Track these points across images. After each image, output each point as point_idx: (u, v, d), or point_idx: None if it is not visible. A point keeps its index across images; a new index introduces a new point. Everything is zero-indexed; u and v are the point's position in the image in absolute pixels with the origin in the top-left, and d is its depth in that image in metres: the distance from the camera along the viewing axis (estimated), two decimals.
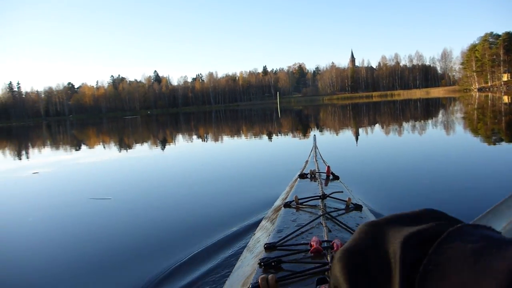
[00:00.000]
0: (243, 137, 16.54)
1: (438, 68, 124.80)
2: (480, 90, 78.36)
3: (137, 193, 6.72)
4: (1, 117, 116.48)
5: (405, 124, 16.52)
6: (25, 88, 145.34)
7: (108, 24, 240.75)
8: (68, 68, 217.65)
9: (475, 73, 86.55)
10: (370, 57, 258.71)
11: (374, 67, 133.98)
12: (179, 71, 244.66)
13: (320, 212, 2.23)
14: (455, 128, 14.02)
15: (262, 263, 1.59)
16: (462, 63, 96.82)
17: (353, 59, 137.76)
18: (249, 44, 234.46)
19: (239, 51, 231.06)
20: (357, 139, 13.00)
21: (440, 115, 21.83)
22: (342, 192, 2.77)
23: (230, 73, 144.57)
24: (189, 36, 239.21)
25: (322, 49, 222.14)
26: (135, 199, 6.25)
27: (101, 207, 5.79)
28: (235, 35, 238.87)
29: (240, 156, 11.05)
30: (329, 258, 1.43)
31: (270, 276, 1.37)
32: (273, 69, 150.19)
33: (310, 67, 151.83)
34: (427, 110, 28.89)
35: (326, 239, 1.78)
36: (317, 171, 3.57)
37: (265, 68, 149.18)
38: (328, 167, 3.53)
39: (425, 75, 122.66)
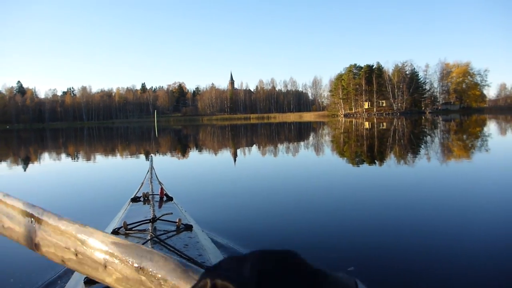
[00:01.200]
0: (99, 156, 15.29)
1: (310, 94, 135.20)
2: (346, 116, 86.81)
3: None
4: None
5: (273, 146, 17.03)
6: None
7: None
8: None
9: (341, 100, 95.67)
10: (249, 80, 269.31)
11: (252, 90, 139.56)
12: (47, 83, 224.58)
13: (148, 237, 2.16)
14: (320, 150, 14.82)
15: None
16: (330, 91, 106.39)
17: (232, 81, 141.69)
18: (127, 59, 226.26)
19: (116, 67, 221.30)
20: (231, 158, 12.91)
21: (309, 138, 23.14)
22: (172, 213, 2.72)
23: (106, 89, 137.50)
24: (61, 45, 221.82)
25: (202, 70, 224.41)
26: None
27: None
28: (111, 49, 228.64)
29: (84, 178, 9.83)
30: None
31: None
32: (152, 87, 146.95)
33: (190, 87, 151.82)
34: (299, 132, 30.56)
35: None
36: (150, 193, 3.51)
37: (143, 86, 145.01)
38: (162, 188, 3.53)
39: (298, 100, 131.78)
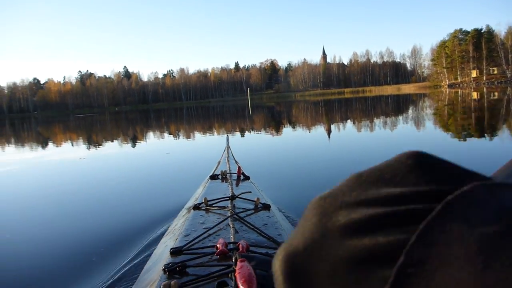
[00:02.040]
0: (189, 133, 15.89)
1: (408, 65, 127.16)
2: (450, 86, 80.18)
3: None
4: None
5: (368, 121, 16.22)
6: None
7: (78, 18, 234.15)
8: (34, 63, 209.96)
9: (445, 70, 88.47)
10: (342, 53, 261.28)
11: (346, 63, 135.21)
12: (149, 67, 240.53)
13: (229, 213, 2.23)
14: (421, 124, 13.77)
15: (166, 269, 1.58)
16: (432, 60, 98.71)
17: (324, 55, 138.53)
18: (221, 40, 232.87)
19: (211, 47, 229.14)
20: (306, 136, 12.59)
21: (408, 111, 21.74)
22: (251, 192, 2.79)
23: (202, 69, 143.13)
24: (161, 31, 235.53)
25: (294, 45, 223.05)
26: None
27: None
28: (207, 31, 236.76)
29: (171, 155, 10.75)
30: (233, 260, 1.43)
31: (173, 282, 1.36)
32: (245, 65, 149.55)
33: (282, 63, 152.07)
34: (397, 106, 28.93)
35: (232, 240, 1.80)
36: (228, 171, 3.59)
37: (237, 64, 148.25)
38: (239, 167, 3.61)
39: (396, 71, 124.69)
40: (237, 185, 3.29)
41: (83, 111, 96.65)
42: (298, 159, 8.62)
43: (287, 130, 15.67)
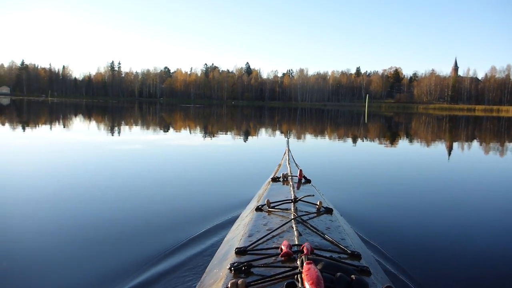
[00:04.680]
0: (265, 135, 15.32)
1: None
2: None
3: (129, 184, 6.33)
4: (99, 93, 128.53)
5: (499, 143, 14.06)
6: (125, 69, 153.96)
7: (211, 11, 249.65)
8: (166, 53, 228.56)
9: None
10: (477, 67, 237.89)
11: (480, 78, 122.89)
12: (270, 65, 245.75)
13: (292, 216, 2.27)
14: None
15: (232, 268, 1.62)
16: None
17: (456, 67, 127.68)
18: (344, 42, 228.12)
19: (333, 50, 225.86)
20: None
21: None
22: (313, 195, 2.81)
23: (322, 72, 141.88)
24: (286, 30, 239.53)
25: (422, 55, 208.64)
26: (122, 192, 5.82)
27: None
28: (331, 33, 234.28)
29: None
30: (299, 262, 1.45)
31: (240, 281, 1.38)
32: (366, 71, 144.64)
33: (407, 72, 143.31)
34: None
35: (296, 243, 1.82)
36: (289, 174, 3.61)
37: (358, 69, 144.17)
38: (300, 170, 3.59)
39: None
40: (298, 188, 3.29)
41: (203, 102, 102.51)
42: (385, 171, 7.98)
43: (402, 142, 14.43)
